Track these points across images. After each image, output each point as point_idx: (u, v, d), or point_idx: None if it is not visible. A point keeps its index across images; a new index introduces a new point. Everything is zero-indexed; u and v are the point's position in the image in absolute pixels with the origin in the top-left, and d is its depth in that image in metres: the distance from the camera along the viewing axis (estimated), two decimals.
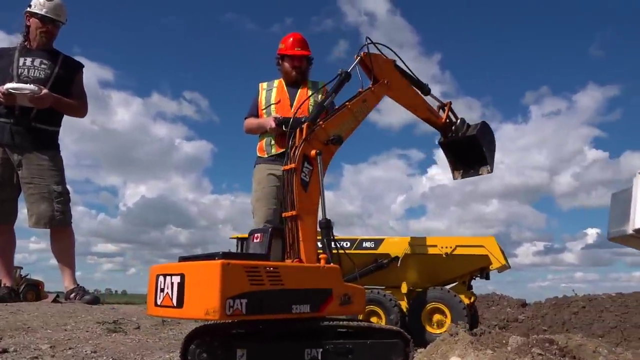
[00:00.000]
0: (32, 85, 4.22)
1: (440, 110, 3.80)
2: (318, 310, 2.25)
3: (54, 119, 4.51)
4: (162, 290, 2.43)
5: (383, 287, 3.64)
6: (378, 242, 3.57)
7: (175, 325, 3.67)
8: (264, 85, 4.59)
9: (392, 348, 2.34)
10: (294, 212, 2.58)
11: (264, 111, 4.43)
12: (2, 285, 4.40)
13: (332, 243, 2.58)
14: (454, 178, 3.93)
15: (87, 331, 3.21)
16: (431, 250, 3.48)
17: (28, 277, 5.29)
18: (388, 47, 3.36)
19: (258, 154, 4.50)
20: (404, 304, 3.50)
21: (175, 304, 2.25)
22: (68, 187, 4.63)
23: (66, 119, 4.68)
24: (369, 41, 3.20)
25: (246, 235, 3.74)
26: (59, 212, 4.42)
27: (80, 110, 4.66)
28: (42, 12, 4.42)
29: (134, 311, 4.23)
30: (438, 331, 3.31)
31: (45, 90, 4.25)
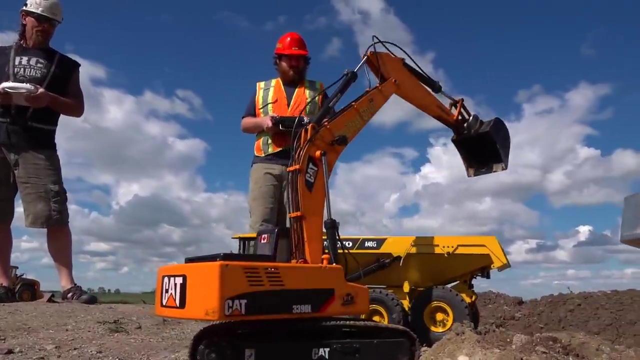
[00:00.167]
0: (28, 84, 4.24)
1: (453, 107, 3.78)
2: (319, 310, 2.29)
3: (51, 118, 4.53)
4: (166, 290, 2.50)
5: (384, 287, 3.69)
6: (380, 242, 3.62)
7: (176, 325, 3.71)
8: (261, 84, 4.64)
9: (399, 347, 2.39)
10: (298, 213, 2.62)
11: (261, 110, 4.49)
12: None
13: (338, 243, 2.63)
14: (468, 175, 3.92)
15: (89, 331, 3.24)
16: (433, 250, 3.54)
17: (23, 276, 5.29)
18: (397, 46, 3.36)
19: (255, 153, 4.54)
20: (405, 303, 3.56)
21: (178, 305, 2.33)
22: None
23: (59, 118, 4.71)
24: (376, 40, 3.20)
25: (248, 235, 3.79)
26: (55, 211, 4.45)
27: (76, 109, 4.68)
28: (38, 11, 4.43)
29: (132, 310, 4.27)
30: (440, 330, 3.38)
31: (41, 90, 4.26)
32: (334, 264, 2.49)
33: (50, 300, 4.78)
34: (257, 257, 3.03)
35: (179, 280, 2.31)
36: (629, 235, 1.83)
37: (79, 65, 4.74)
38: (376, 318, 3.41)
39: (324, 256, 2.53)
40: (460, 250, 3.49)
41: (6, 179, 4.45)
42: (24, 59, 4.41)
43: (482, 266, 3.59)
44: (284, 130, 4.21)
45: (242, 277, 2.10)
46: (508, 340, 2.32)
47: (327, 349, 2.27)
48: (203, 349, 2.17)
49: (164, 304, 2.46)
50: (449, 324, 3.37)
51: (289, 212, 2.68)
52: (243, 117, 4.63)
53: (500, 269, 3.56)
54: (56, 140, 4.63)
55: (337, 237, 2.63)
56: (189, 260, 2.47)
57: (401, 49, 3.40)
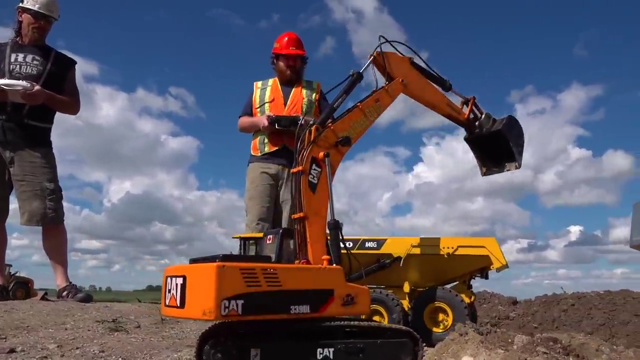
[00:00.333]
0: (24, 81, 4.24)
1: (464, 105, 3.74)
2: (318, 310, 2.33)
3: (47, 116, 4.53)
4: (169, 291, 2.56)
5: (384, 287, 3.75)
6: (381, 243, 3.67)
7: (175, 324, 3.73)
8: (259, 84, 4.67)
9: (402, 347, 2.44)
10: (301, 214, 2.66)
11: (258, 110, 4.52)
12: None
13: (341, 244, 2.68)
14: (482, 175, 3.90)
15: (88, 330, 3.26)
16: (433, 251, 3.60)
17: (17, 274, 5.29)
18: (405, 45, 3.36)
19: (252, 153, 4.57)
20: (405, 303, 3.62)
21: (178, 305, 2.39)
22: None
23: (55, 115, 4.71)
24: (383, 40, 3.21)
25: (249, 235, 3.82)
26: (51, 209, 4.45)
27: (73, 107, 4.68)
28: (35, 8, 4.43)
29: (129, 309, 4.28)
30: (440, 330, 3.44)
31: (37, 87, 4.26)
32: (335, 265, 2.53)
33: (43, 298, 4.78)
34: (256, 258, 3.08)
35: (180, 280, 2.37)
36: (638, 240, 1.90)
37: (75, 62, 4.74)
38: (376, 318, 3.47)
39: (324, 257, 2.58)
40: (460, 252, 3.56)
41: (1, 176, 4.44)
42: (20, 56, 4.40)
43: (482, 267, 3.66)
44: (280, 130, 4.25)
45: (239, 278, 2.15)
46: (509, 340, 2.39)
47: (331, 349, 2.32)
48: (209, 349, 2.22)
49: (167, 303, 2.52)
50: (448, 324, 3.43)
51: (293, 213, 2.73)
52: (240, 117, 4.66)
53: (499, 269, 3.63)
54: None
55: (341, 238, 2.68)
56: (193, 260, 2.52)
57: (409, 47, 3.39)
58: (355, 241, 3.66)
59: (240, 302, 2.12)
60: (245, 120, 4.59)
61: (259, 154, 4.48)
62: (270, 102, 4.49)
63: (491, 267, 3.57)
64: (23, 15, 4.46)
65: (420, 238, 3.70)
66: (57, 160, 4.64)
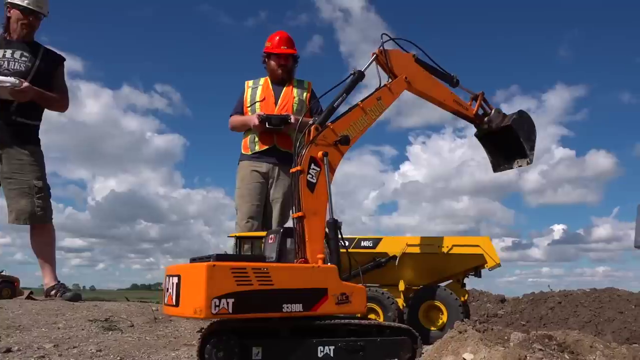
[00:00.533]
0: (12, 77, 4.21)
1: (473, 101, 3.71)
2: (311, 309, 2.39)
3: (35, 113, 4.51)
4: (167, 289, 2.63)
5: (378, 285, 3.81)
6: (376, 241, 3.73)
7: (168, 323, 3.76)
8: (250, 83, 4.71)
9: (401, 345, 2.52)
10: (300, 214, 2.71)
11: (249, 109, 4.56)
12: None
13: (340, 243, 2.72)
14: (494, 171, 3.88)
15: (82, 329, 3.29)
16: (428, 250, 3.67)
17: (4, 273, 5.23)
18: (410, 42, 3.36)
19: (242, 151, 4.62)
20: (400, 302, 3.69)
21: (174, 303, 2.47)
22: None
23: (43, 113, 4.67)
24: (386, 38, 3.21)
25: (244, 234, 3.87)
26: (39, 207, 4.44)
27: (61, 104, 4.67)
28: (24, 4, 4.40)
29: (119, 308, 4.29)
30: (434, 328, 3.51)
31: (26, 83, 4.25)
32: (329, 264, 2.58)
33: (29, 297, 4.76)
34: (250, 258, 3.13)
35: (175, 279, 2.46)
36: None
37: (64, 59, 4.72)
38: (372, 316, 3.53)
39: (319, 256, 2.62)
40: (455, 250, 3.63)
41: None
42: (8, 52, 4.37)
43: (476, 266, 3.75)
44: (270, 129, 4.29)
45: (230, 277, 2.22)
46: (506, 337, 2.46)
47: (332, 347, 2.39)
48: (211, 348, 2.26)
49: (165, 302, 2.59)
50: (443, 322, 3.51)
51: (292, 212, 2.77)
52: (231, 115, 4.69)
53: (492, 268, 3.71)
54: None
55: (340, 237, 2.73)
56: (192, 260, 2.57)
57: (414, 44, 3.38)
58: (350, 240, 3.71)
59: (231, 300, 2.20)
60: (236, 119, 4.63)
61: (250, 153, 4.51)
62: (261, 101, 4.53)
63: (485, 265, 3.66)
64: (11, 11, 4.42)
65: (416, 237, 3.77)
66: None
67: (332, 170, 2.81)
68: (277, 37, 4.57)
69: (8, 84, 4.17)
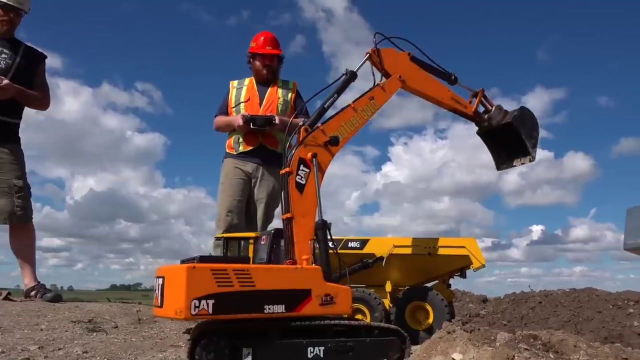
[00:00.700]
0: None
1: (474, 98, 3.69)
2: (294, 310, 2.42)
3: (15, 111, 4.46)
4: (155, 290, 2.65)
5: (365, 286, 3.86)
6: (363, 243, 3.78)
7: (153, 324, 3.76)
8: (235, 83, 4.72)
9: (390, 345, 2.56)
10: (289, 215, 2.74)
11: (234, 109, 4.57)
12: None
13: (330, 244, 2.75)
14: (497, 169, 3.86)
15: (66, 331, 3.27)
16: (415, 251, 3.72)
17: None
18: (406, 40, 3.35)
19: (227, 150, 4.62)
20: (387, 302, 3.74)
21: (159, 304, 2.51)
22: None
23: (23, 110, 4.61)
24: (380, 37, 3.20)
25: (231, 235, 3.87)
26: (19, 207, 4.39)
27: (42, 102, 4.62)
28: (4, 0, 4.34)
29: (101, 309, 4.27)
30: (421, 328, 3.56)
31: (6, 81, 4.20)
32: (314, 265, 2.61)
33: (6, 298, 4.70)
34: (233, 259, 3.15)
35: (160, 281, 2.50)
36: (632, 243, 2.06)
37: (46, 57, 4.67)
38: (359, 317, 3.57)
39: (304, 257, 2.65)
40: (441, 252, 3.70)
41: None
42: None
43: (462, 266, 3.82)
44: (255, 129, 4.31)
45: (210, 278, 2.27)
46: (492, 337, 2.52)
47: (322, 348, 2.42)
48: (201, 350, 2.29)
49: (153, 302, 2.61)
50: (429, 323, 3.57)
51: (281, 214, 2.79)
52: (216, 116, 4.70)
53: (477, 269, 3.79)
54: None
55: (330, 238, 2.76)
56: (182, 262, 2.60)
57: (410, 42, 3.37)
58: (338, 241, 3.75)
59: (210, 301, 2.24)
60: (220, 119, 4.63)
61: (235, 153, 4.53)
62: (245, 101, 4.54)
63: (471, 266, 3.73)
64: None
65: (402, 238, 3.82)
66: None
67: (322, 171, 2.83)
68: (262, 38, 4.58)
69: None
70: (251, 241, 3.52)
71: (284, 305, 2.40)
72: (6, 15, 4.36)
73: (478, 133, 3.83)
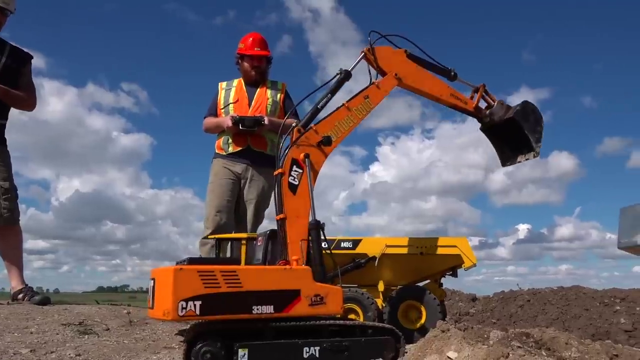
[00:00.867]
0: None
1: (475, 94, 3.64)
2: (283, 310, 2.45)
3: (1, 112, 4.41)
4: (149, 292, 2.68)
5: (356, 285, 3.89)
6: (356, 243, 3.81)
7: (145, 326, 3.75)
8: (223, 84, 4.72)
9: (385, 344, 2.59)
10: (282, 215, 2.76)
11: (223, 110, 4.58)
12: None
13: (323, 244, 2.77)
14: (503, 166, 3.82)
15: (57, 334, 3.25)
16: (407, 250, 3.76)
17: None
18: (403, 37, 3.34)
19: (216, 151, 4.63)
20: (379, 302, 3.78)
21: (151, 305, 2.54)
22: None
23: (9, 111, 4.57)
24: (376, 35, 3.19)
25: (224, 236, 3.89)
26: (6, 209, 4.34)
27: (29, 102, 4.57)
28: None
29: (90, 312, 4.24)
30: (413, 327, 3.61)
31: None
32: (303, 265, 2.63)
33: None
34: (221, 261, 3.18)
35: (152, 283, 2.54)
36: (626, 242, 2.12)
37: (32, 57, 4.62)
38: (352, 316, 3.60)
39: (294, 257, 2.67)
40: (433, 251, 3.74)
41: None
42: None
43: (453, 266, 3.87)
44: (244, 130, 4.32)
45: (197, 280, 2.30)
46: (486, 336, 2.57)
47: (317, 348, 2.45)
48: (197, 351, 2.30)
49: (147, 304, 2.64)
50: (421, 321, 3.62)
51: (276, 215, 2.81)
52: (205, 117, 4.70)
53: (468, 268, 3.84)
54: None
55: (324, 238, 2.78)
56: (177, 263, 2.62)
57: (408, 39, 3.35)
58: (330, 241, 3.78)
59: (197, 303, 2.27)
60: (210, 121, 4.64)
61: (224, 153, 4.54)
62: (234, 102, 4.55)
63: (463, 266, 3.78)
64: None
65: (395, 238, 3.86)
66: None
67: (315, 171, 2.84)
68: (251, 39, 4.59)
69: None
70: (243, 242, 3.54)
71: (272, 306, 2.43)
72: None
73: (481, 129, 3.78)
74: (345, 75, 3.08)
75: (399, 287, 3.83)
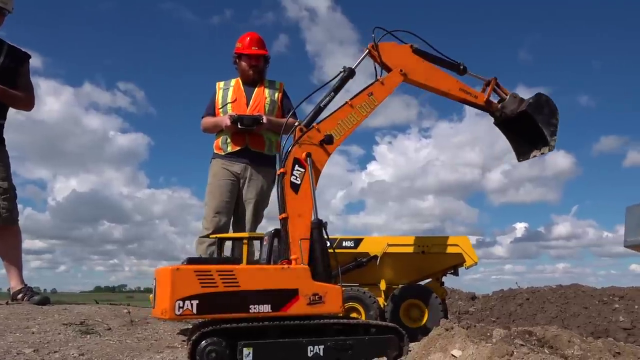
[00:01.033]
0: None
1: (487, 88, 3.57)
2: (280, 310, 2.48)
3: (0, 112, 4.42)
4: (151, 292, 2.70)
5: (358, 284, 3.92)
6: (357, 242, 3.83)
7: (146, 326, 3.76)
8: (221, 84, 4.74)
9: (388, 343, 2.62)
10: (284, 215, 2.78)
11: (221, 110, 4.59)
12: None
13: (326, 243, 2.79)
14: (518, 160, 3.72)
15: (59, 333, 3.26)
16: (409, 249, 3.79)
17: None
18: (409, 32, 3.31)
19: (215, 151, 4.64)
20: (381, 301, 3.80)
21: (153, 305, 2.56)
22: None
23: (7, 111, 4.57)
24: (381, 32, 3.16)
25: (225, 235, 3.91)
26: (4, 209, 4.35)
27: (27, 102, 4.57)
28: None
29: (91, 311, 4.25)
30: (415, 326, 3.63)
31: None
32: (302, 265, 2.64)
33: None
34: (219, 261, 3.20)
35: (154, 282, 2.59)
36: (633, 240, 2.14)
37: (30, 56, 4.61)
38: (354, 315, 3.63)
39: (293, 257, 2.69)
40: (435, 250, 3.77)
41: None
42: None
43: (455, 264, 3.90)
44: (242, 129, 4.33)
45: (194, 279, 2.35)
46: (488, 334, 2.59)
47: (321, 347, 2.47)
48: (202, 349, 2.32)
49: (150, 304, 2.67)
50: (423, 320, 3.65)
51: (278, 214, 2.83)
52: (203, 117, 4.71)
53: (469, 267, 3.86)
54: None
55: (326, 237, 2.80)
56: (182, 262, 2.65)
57: (414, 34, 3.32)
58: (332, 240, 3.80)
59: (195, 302, 2.32)
60: (208, 120, 4.65)
61: (223, 153, 4.55)
62: (232, 102, 4.56)
63: (464, 264, 3.80)
64: None
65: (396, 237, 3.89)
66: None
67: (318, 170, 2.85)
68: (248, 38, 4.60)
69: None
70: (245, 241, 3.56)
71: (270, 305, 2.46)
72: None
73: (495, 124, 3.69)
74: (349, 73, 3.07)
75: (400, 285, 3.85)
